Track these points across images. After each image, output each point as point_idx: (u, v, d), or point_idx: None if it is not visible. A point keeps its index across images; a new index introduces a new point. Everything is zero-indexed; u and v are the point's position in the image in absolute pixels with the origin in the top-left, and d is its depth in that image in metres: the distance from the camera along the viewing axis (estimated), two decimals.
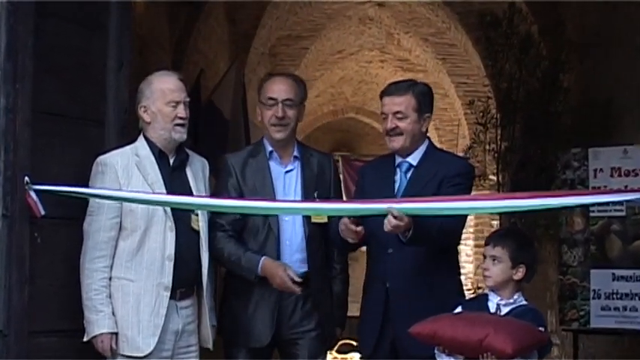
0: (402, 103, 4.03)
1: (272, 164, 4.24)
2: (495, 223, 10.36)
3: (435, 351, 3.68)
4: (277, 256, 4.12)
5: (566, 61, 7.93)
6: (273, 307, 4.12)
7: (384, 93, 4.11)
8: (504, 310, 3.71)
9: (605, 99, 7.23)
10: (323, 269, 4.26)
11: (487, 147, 8.60)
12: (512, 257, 3.73)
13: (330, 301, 4.27)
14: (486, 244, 3.84)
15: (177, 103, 4.01)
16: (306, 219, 4.17)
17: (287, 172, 4.24)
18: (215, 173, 4.34)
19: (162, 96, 4.01)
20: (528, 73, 8.17)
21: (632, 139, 6.58)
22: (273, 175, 4.21)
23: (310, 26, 12.11)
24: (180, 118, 4.00)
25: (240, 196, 4.16)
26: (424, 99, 4.09)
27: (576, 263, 6.59)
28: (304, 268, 4.15)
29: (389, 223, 3.66)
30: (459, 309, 3.78)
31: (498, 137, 8.47)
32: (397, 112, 4.02)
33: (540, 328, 3.66)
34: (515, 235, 3.92)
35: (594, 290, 6.45)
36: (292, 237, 4.17)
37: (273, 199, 4.12)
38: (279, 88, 4.23)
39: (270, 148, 4.26)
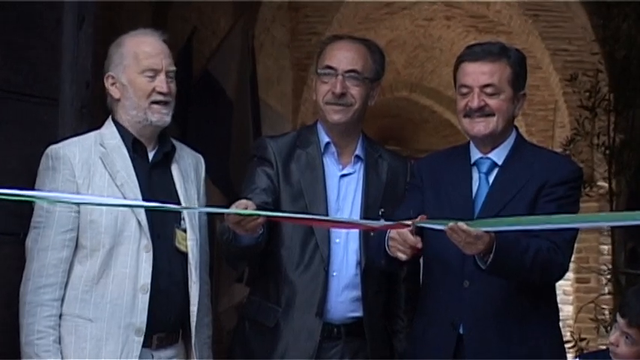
0: (495, 72, 4.05)
1: (327, 161, 4.24)
2: (606, 248, 10.31)
3: None
4: (324, 290, 4.10)
5: None
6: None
7: (464, 58, 4.11)
8: None
9: None
10: (383, 318, 4.26)
11: (595, 141, 8.60)
12: None
13: None
14: (621, 315, 3.76)
15: (156, 72, 4.02)
16: (365, 244, 4.15)
17: (343, 175, 4.24)
18: (214, 178, 4.33)
19: (136, 62, 4.03)
20: None
21: None
22: (326, 176, 4.21)
23: None
24: (160, 93, 4.01)
25: (276, 195, 4.14)
26: (520, 70, 4.12)
27: None
28: (357, 313, 4.15)
29: (452, 233, 3.67)
30: None
31: (611, 127, 8.45)
32: (487, 86, 4.03)
33: None
34: None
35: None
36: (342, 267, 4.16)
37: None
38: (342, 55, 4.24)
39: (326, 139, 4.26)
